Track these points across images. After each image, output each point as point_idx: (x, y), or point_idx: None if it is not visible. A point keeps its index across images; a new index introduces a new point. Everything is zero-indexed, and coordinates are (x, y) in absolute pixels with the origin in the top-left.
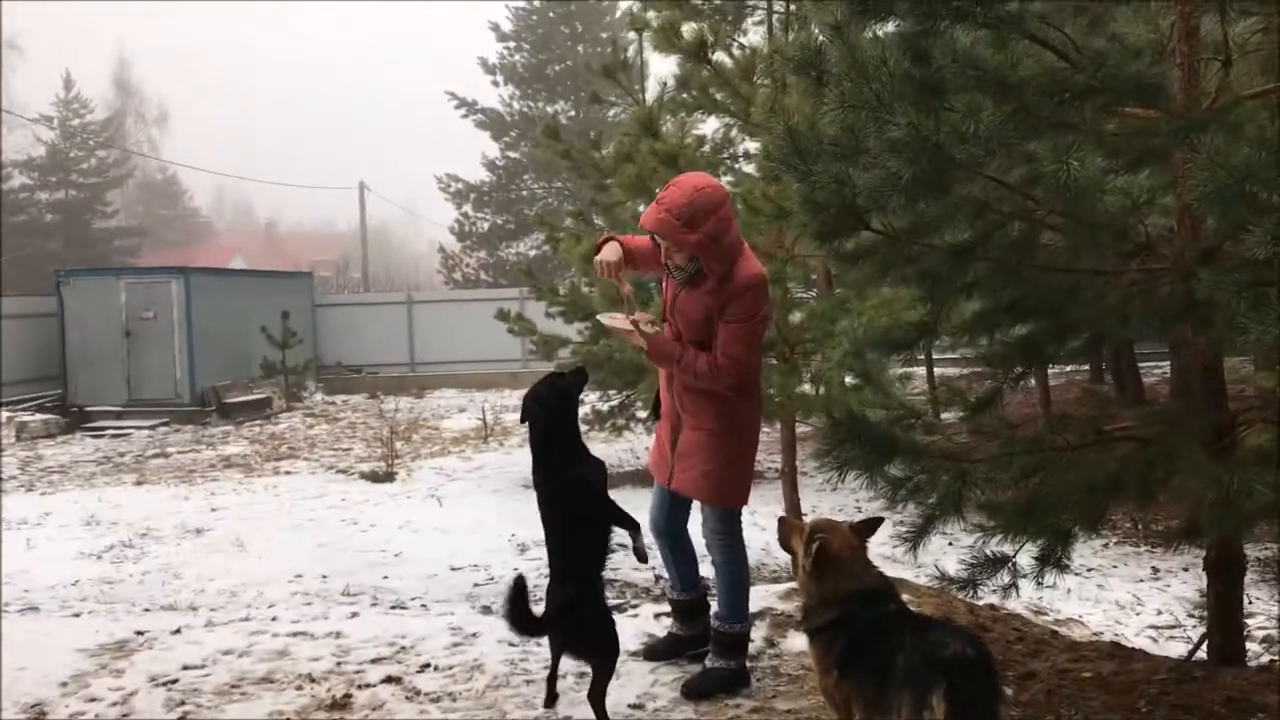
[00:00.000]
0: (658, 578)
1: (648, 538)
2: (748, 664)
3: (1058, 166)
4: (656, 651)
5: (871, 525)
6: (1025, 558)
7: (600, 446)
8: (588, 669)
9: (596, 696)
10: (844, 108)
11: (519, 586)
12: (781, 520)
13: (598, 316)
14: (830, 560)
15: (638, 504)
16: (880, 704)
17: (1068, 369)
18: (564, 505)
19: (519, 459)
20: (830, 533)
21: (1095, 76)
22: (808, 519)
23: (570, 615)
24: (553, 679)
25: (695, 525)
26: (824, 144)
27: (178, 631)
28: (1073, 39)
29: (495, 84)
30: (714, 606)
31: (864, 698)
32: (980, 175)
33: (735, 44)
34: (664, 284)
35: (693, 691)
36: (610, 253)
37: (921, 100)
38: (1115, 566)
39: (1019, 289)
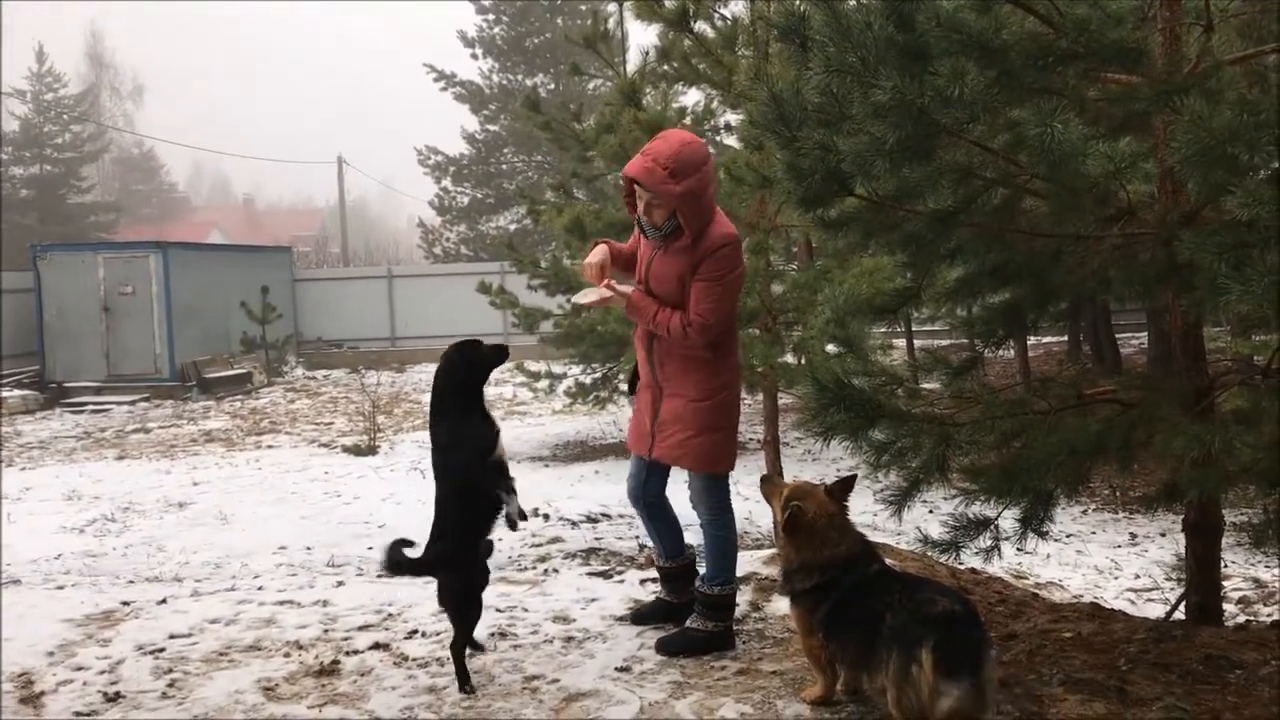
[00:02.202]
0: (642, 546)
1: (628, 508)
2: (733, 627)
3: (1041, 130)
4: (643, 616)
5: (847, 484)
6: (1007, 521)
7: (583, 419)
8: (574, 633)
9: (455, 650)
10: (828, 73)
11: (397, 543)
12: (764, 479)
13: (573, 300)
14: (806, 527)
15: (618, 475)
16: (866, 662)
17: (1045, 340)
18: (445, 463)
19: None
20: (806, 499)
21: (1078, 42)
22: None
23: (441, 567)
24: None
25: (672, 492)
26: (808, 110)
27: (163, 602)
28: (1055, 4)
29: (474, 57)
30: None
31: (848, 657)
32: (964, 140)
33: (717, 14)
34: (639, 251)
35: (665, 648)
36: (596, 255)
37: (905, 65)
38: (1094, 532)
39: (1001, 254)
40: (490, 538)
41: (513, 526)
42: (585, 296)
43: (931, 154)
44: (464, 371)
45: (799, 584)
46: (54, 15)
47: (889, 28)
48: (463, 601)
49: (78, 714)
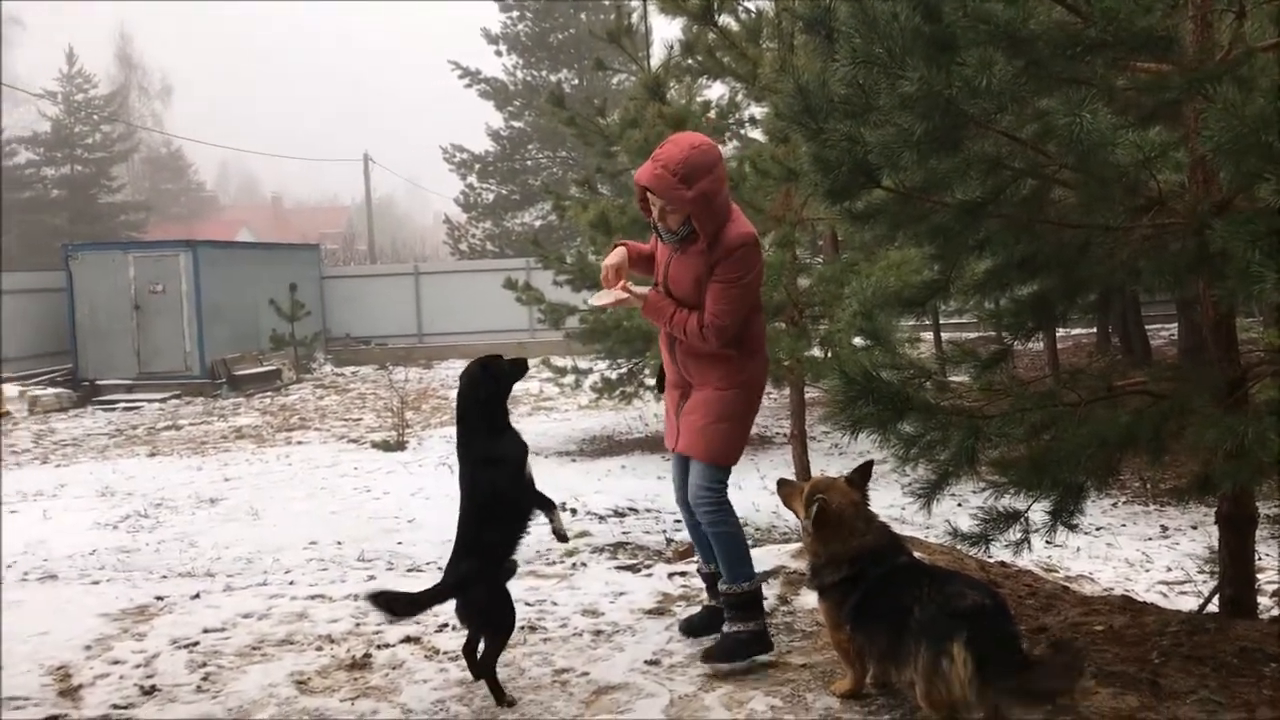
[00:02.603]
0: (669, 540)
1: (654, 503)
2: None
3: (1070, 120)
4: (695, 626)
5: (864, 472)
6: (1037, 514)
7: (609, 415)
8: (603, 627)
9: (485, 668)
10: (855, 64)
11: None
12: (781, 482)
13: (590, 302)
14: (832, 518)
15: (645, 470)
16: (895, 655)
17: (1074, 332)
18: (474, 481)
19: (528, 427)
20: (828, 491)
21: (1106, 30)
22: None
23: (464, 588)
24: (468, 650)
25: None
26: (834, 102)
27: (197, 596)
28: None
29: (498, 53)
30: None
31: (877, 649)
32: (992, 131)
33: (741, 7)
34: (656, 254)
35: (712, 657)
36: (613, 258)
37: (932, 56)
38: (1124, 525)
39: (1030, 245)
40: (515, 558)
41: (562, 539)
42: (601, 298)
43: (959, 145)
44: (488, 387)
45: (828, 577)
46: (85, 17)
47: (915, 18)
48: (496, 617)
49: (115, 707)
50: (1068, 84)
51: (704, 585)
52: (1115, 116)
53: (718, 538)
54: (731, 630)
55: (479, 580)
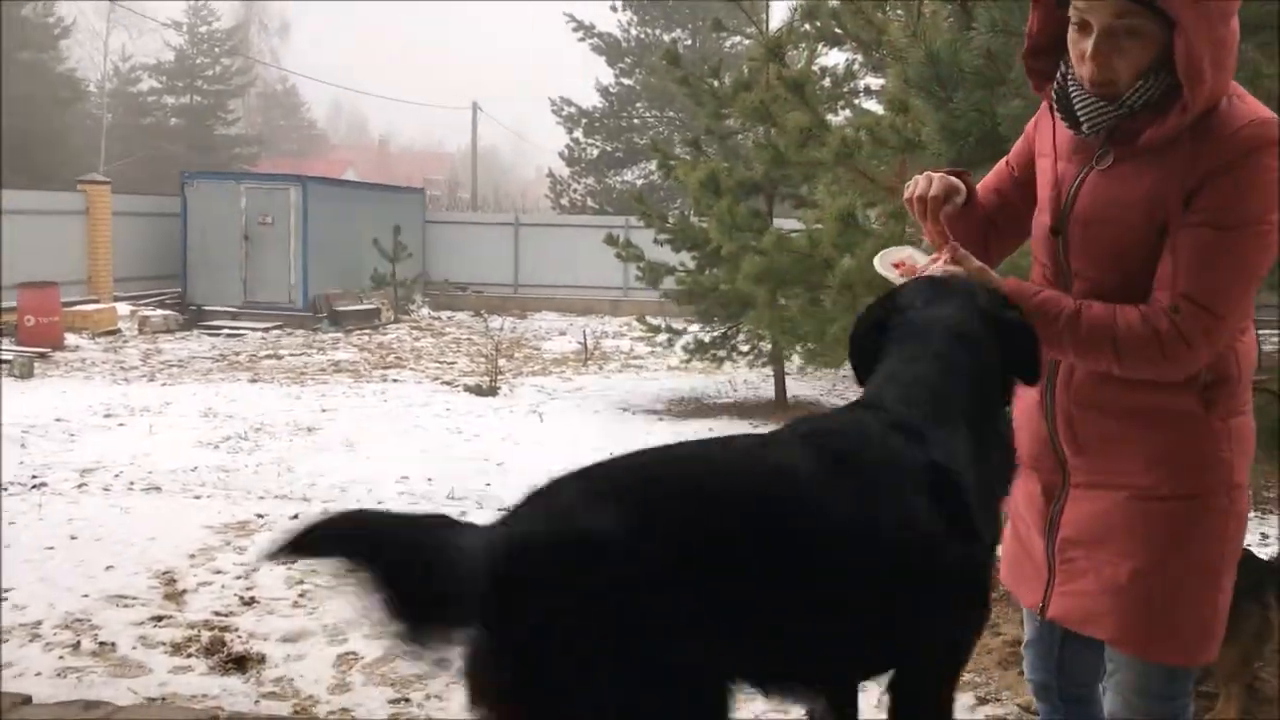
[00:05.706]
0: None
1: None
2: None
3: None
4: None
5: None
6: None
7: (698, 377)
8: None
9: None
10: (994, 33)
11: None
12: None
13: (876, 258)
14: None
15: (735, 433)
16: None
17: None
18: None
19: (617, 383)
20: None
21: None
22: None
23: None
24: None
25: None
26: (965, 72)
27: (295, 517)
28: None
29: (614, 9)
30: None
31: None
32: None
33: None
34: (1041, 169)
35: None
36: (939, 184)
37: None
38: None
39: None
40: None
41: None
42: (890, 255)
43: None
44: None
45: None
46: None
47: None
48: None
49: (216, 614)
50: None
51: None
52: None
53: None
54: None
55: None
